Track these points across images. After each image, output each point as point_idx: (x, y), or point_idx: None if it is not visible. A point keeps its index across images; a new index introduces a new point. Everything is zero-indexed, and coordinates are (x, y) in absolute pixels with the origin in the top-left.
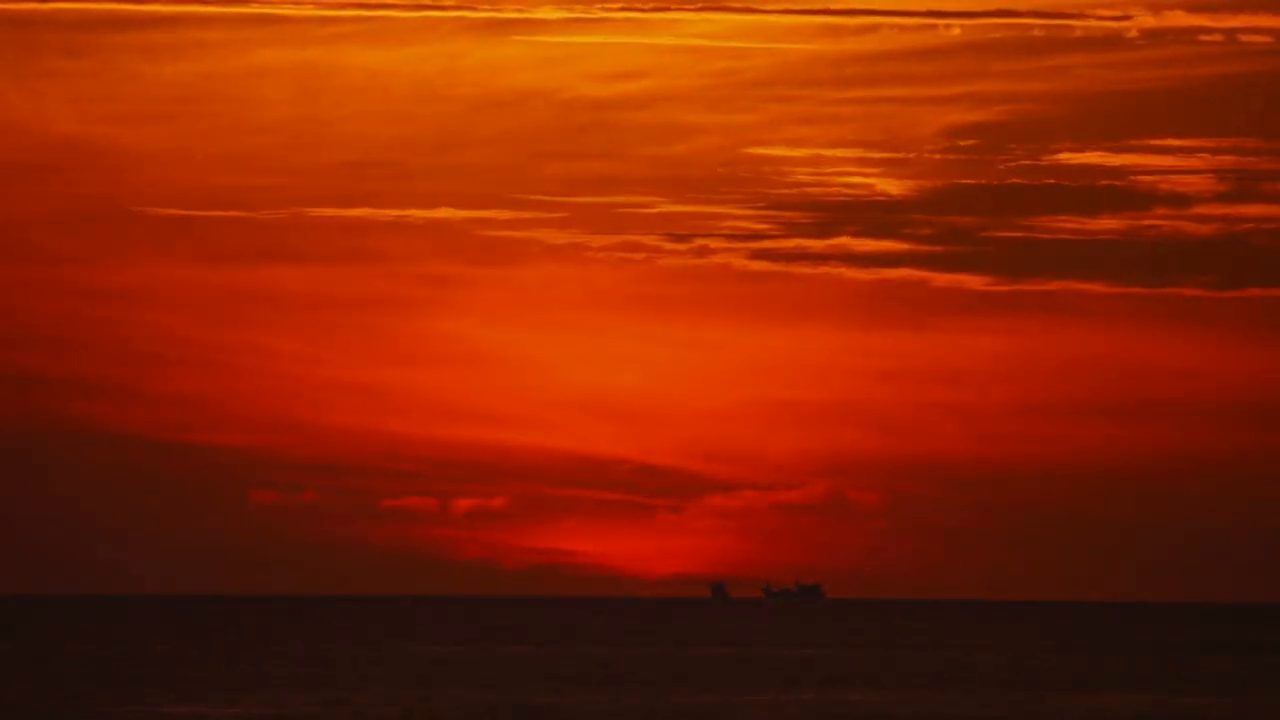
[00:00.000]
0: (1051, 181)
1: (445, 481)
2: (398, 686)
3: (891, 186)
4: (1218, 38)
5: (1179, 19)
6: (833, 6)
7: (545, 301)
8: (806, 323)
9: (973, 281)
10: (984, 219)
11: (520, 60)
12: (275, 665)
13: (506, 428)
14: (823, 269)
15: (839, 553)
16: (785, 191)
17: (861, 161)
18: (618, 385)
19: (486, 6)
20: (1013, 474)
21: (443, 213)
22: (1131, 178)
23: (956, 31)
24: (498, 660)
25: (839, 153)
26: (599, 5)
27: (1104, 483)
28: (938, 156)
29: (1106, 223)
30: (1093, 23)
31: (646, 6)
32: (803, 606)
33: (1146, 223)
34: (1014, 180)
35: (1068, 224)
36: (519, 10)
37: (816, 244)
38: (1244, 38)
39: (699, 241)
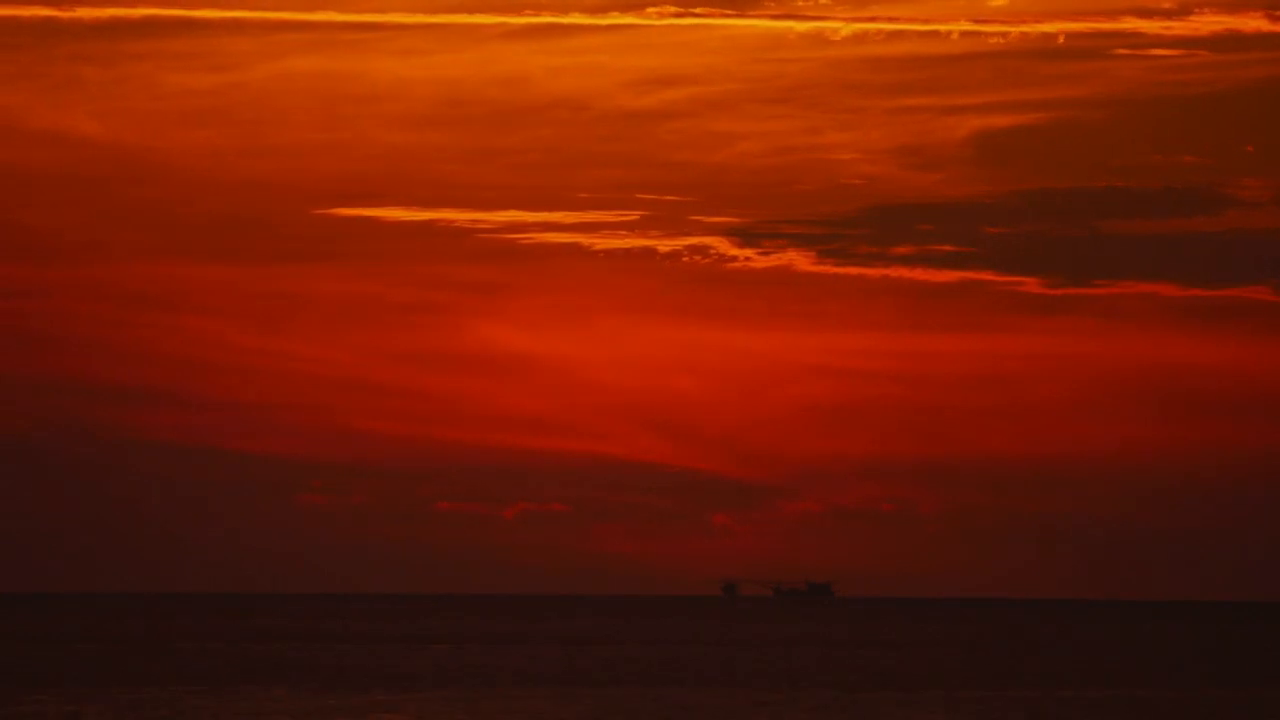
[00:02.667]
0: (1110, 184)
1: (498, 486)
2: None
3: (948, 190)
4: (1264, 45)
5: (1233, 23)
6: (878, 13)
7: (603, 306)
8: (865, 326)
9: (1032, 284)
10: (1042, 222)
11: (559, 68)
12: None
13: (560, 434)
14: (881, 272)
15: (896, 555)
16: (841, 197)
17: (915, 165)
18: (672, 390)
19: (529, 13)
20: (1072, 476)
21: (503, 216)
22: (1190, 181)
23: (1009, 38)
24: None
25: (892, 157)
26: (636, 13)
27: (1168, 484)
28: (995, 160)
29: (1167, 225)
30: (1150, 28)
31: (679, 14)
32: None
33: (1208, 227)
34: (1072, 184)
35: (1127, 226)
36: (555, 16)
37: (874, 249)
38: None
39: (762, 245)
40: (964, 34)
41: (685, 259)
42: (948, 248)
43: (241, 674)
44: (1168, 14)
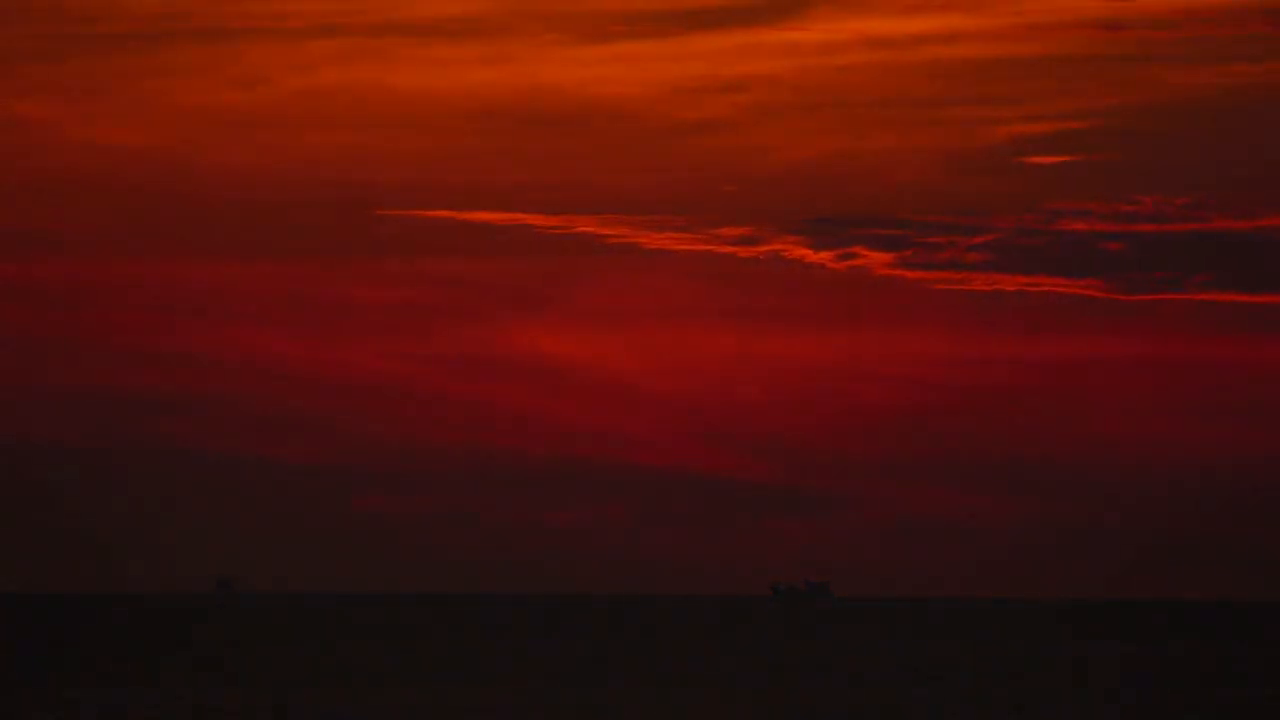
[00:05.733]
0: (1176, 188)
1: (550, 494)
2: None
3: (1013, 195)
4: None
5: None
6: (928, 20)
7: (663, 311)
8: (922, 331)
9: (1092, 289)
10: (1109, 226)
11: (605, 76)
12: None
13: (619, 443)
14: (941, 276)
15: (960, 560)
16: (898, 203)
17: (974, 170)
18: (732, 397)
19: (575, 23)
20: (1133, 480)
21: (558, 220)
22: (1252, 184)
23: (1063, 43)
24: None
25: (948, 162)
26: (683, 27)
27: (1236, 489)
28: (1056, 165)
29: (1235, 228)
30: (1194, 31)
31: (724, 26)
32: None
33: (1275, 234)
34: (1129, 187)
35: (1191, 230)
36: (604, 23)
37: (945, 255)
38: None
39: (837, 250)
40: (1020, 39)
41: (762, 264)
42: (1012, 253)
43: (351, 672)
44: (1216, 19)
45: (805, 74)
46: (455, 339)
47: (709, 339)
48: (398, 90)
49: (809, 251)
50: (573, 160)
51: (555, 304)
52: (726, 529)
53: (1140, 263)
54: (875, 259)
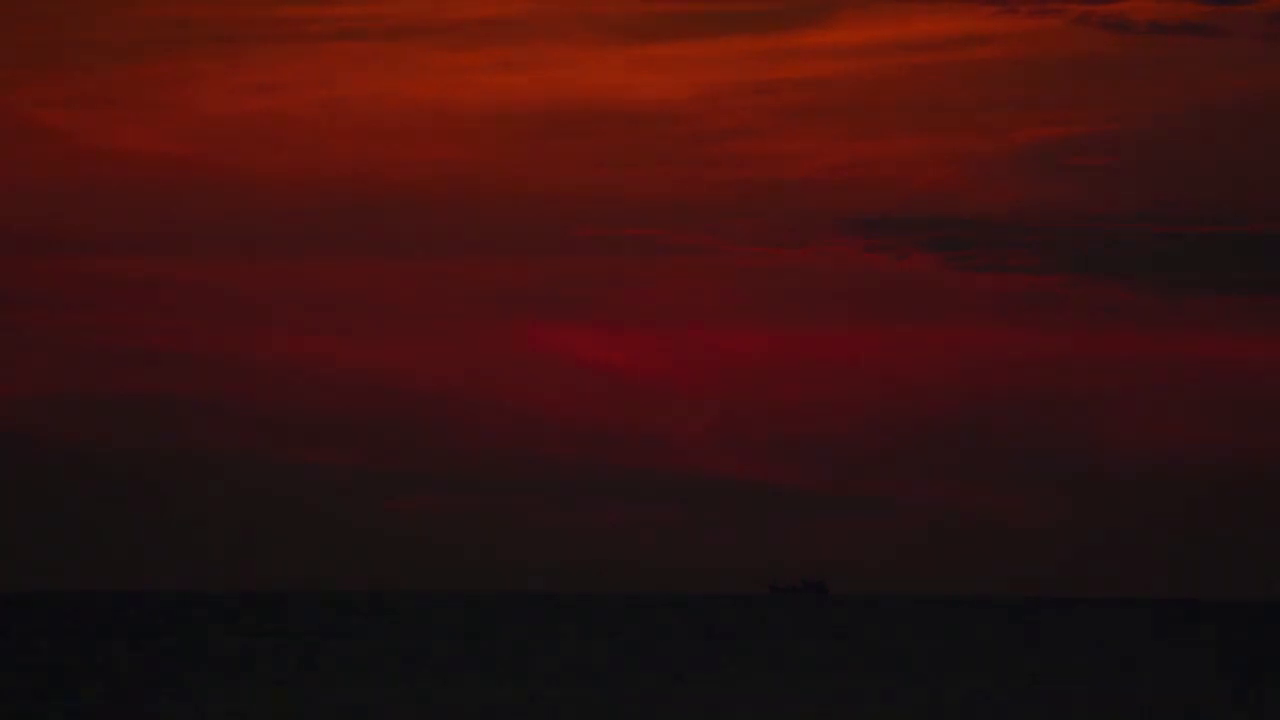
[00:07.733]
0: (1210, 189)
1: (592, 499)
2: None
3: (1054, 197)
4: None
5: None
6: (953, 21)
7: (704, 313)
8: (964, 332)
9: (1137, 290)
10: (1150, 225)
11: (629, 81)
12: None
13: (660, 449)
14: (985, 278)
15: (1016, 565)
16: (944, 203)
17: (1013, 172)
18: (767, 400)
19: (601, 26)
20: (1184, 479)
21: (587, 221)
22: None
23: (1101, 42)
24: None
25: (993, 165)
26: (712, 33)
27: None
28: (1095, 167)
29: (1273, 229)
30: (1239, 33)
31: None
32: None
33: None
34: (1174, 189)
35: (1245, 232)
36: (631, 27)
37: (981, 257)
38: None
39: (889, 251)
40: (1056, 41)
41: (802, 266)
42: (1056, 254)
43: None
44: (1261, 23)
45: (837, 77)
46: (482, 341)
47: (745, 341)
48: (419, 95)
49: (852, 253)
50: (602, 164)
51: (590, 307)
52: (768, 532)
53: (1186, 263)
54: (920, 260)
